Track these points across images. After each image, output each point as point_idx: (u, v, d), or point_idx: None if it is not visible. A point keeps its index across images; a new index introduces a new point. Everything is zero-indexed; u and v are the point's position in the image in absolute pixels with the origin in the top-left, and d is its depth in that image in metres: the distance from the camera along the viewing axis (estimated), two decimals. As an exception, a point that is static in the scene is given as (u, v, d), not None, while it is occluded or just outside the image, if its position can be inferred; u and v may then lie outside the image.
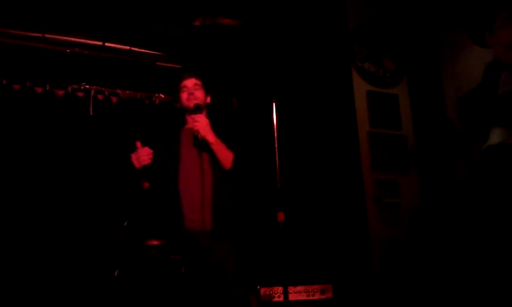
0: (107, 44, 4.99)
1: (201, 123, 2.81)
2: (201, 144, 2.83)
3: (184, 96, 2.99)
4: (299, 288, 3.57)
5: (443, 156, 4.11)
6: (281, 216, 2.82)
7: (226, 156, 2.83)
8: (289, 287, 3.35)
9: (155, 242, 2.90)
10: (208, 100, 3.07)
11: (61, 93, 4.93)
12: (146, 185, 3.31)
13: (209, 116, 3.02)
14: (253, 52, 5.01)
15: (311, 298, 3.57)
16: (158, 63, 5.22)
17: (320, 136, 4.50)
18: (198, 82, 3.01)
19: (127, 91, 5.15)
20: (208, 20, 4.90)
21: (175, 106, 5.27)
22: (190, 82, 3.00)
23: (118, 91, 5.13)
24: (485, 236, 3.31)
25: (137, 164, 2.88)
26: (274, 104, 2.98)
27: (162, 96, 5.29)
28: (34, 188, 4.41)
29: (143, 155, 2.84)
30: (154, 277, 2.78)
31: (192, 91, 2.97)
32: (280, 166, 2.92)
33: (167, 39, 5.15)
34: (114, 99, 5.12)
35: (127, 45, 5.06)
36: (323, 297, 3.59)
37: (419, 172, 4.31)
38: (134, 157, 2.84)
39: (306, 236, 4.26)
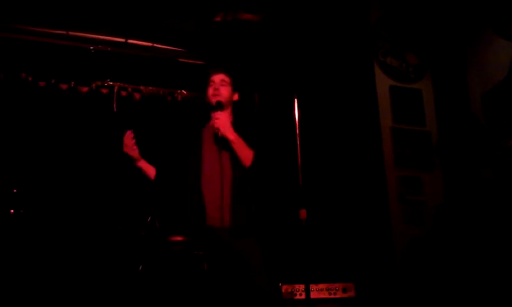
0: (130, 41, 5.05)
1: (221, 121, 2.78)
2: (221, 142, 2.81)
3: (210, 91, 2.95)
4: (321, 285, 3.56)
5: (468, 152, 4.04)
6: (303, 213, 2.81)
7: (246, 154, 2.81)
8: (311, 285, 3.35)
9: (178, 238, 2.93)
10: (236, 97, 3.02)
11: (85, 89, 5.02)
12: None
13: (233, 113, 3.01)
14: (274, 48, 5.00)
15: (333, 296, 3.56)
16: (180, 59, 5.25)
17: (343, 132, 4.47)
18: (226, 78, 2.96)
19: (150, 88, 5.21)
20: (230, 15, 4.90)
21: (197, 102, 5.32)
22: (217, 78, 2.96)
23: (141, 87, 5.19)
24: (510, 234, 3.26)
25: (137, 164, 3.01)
26: (296, 100, 2.96)
27: (185, 92, 5.33)
28: (61, 184, 4.50)
29: (125, 141, 2.89)
30: (177, 272, 2.82)
31: (218, 86, 2.93)
32: (302, 163, 2.90)
33: (189, 36, 5.17)
34: (137, 95, 5.18)
35: (150, 42, 5.11)
36: (345, 295, 3.58)
37: (443, 169, 4.25)
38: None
39: (328, 233, 4.24)
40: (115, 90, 5.09)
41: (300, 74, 4.68)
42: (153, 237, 3.69)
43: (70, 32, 4.90)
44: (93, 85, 5.04)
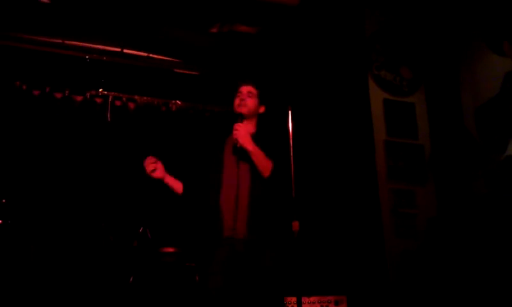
0: (125, 50, 5.06)
1: (240, 132, 2.80)
2: (240, 153, 2.83)
3: (236, 101, 2.96)
4: (312, 298, 3.55)
5: (461, 166, 4.06)
6: (296, 225, 2.80)
7: (264, 164, 2.81)
8: (303, 297, 3.34)
9: (170, 249, 2.92)
10: (262, 109, 3.03)
11: (79, 98, 5.01)
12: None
13: (259, 125, 3.01)
14: (269, 60, 5.02)
15: (325, 308, 3.55)
16: (176, 70, 5.26)
17: (336, 144, 4.48)
18: (253, 90, 2.98)
19: (145, 98, 5.21)
20: (226, 27, 4.92)
21: (191, 113, 5.32)
22: (245, 89, 2.97)
23: (136, 97, 5.19)
24: (503, 249, 3.27)
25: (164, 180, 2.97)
26: (290, 112, 2.96)
27: (179, 102, 5.33)
28: (54, 193, 4.48)
29: (147, 168, 2.86)
30: (168, 284, 2.80)
31: (245, 97, 2.94)
32: (295, 175, 2.90)
33: (184, 46, 5.18)
34: (131, 105, 5.18)
35: (145, 52, 5.12)
36: (337, 307, 3.57)
37: (436, 182, 4.26)
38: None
39: (321, 246, 4.23)
40: (109, 99, 5.09)
41: (294, 86, 4.70)
42: (145, 248, 3.67)
43: (66, 41, 4.90)
44: (88, 94, 5.03)
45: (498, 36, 4.06)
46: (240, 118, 2.87)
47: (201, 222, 2.94)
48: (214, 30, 4.96)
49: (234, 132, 2.82)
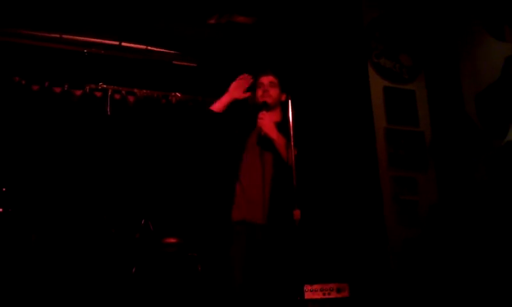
0: (123, 44, 5.04)
1: (265, 120, 2.85)
2: (264, 141, 2.86)
3: (259, 92, 3.03)
4: (315, 286, 3.56)
5: (462, 153, 4.05)
6: (297, 214, 2.80)
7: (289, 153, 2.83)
8: (305, 285, 3.34)
9: (172, 240, 2.93)
10: (283, 98, 3.06)
11: (78, 92, 5.01)
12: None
13: (283, 114, 3.03)
14: (267, 49, 5.00)
15: (327, 297, 3.56)
16: (174, 62, 5.24)
17: (337, 133, 4.47)
18: (274, 80, 3.04)
19: (144, 91, 5.20)
20: (224, 18, 4.91)
21: (191, 105, 5.31)
22: (266, 79, 3.03)
23: (135, 90, 5.19)
24: (504, 234, 3.26)
25: (228, 97, 2.96)
26: (289, 101, 2.96)
27: (179, 95, 5.32)
28: (53, 187, 4.48)
29: (244, 84, 2.89)
30: (171, 274, 2.81)
31: (267, 88, 3.00)
32: (296, 163, 2.90)
33: (183, 38, 5.17)
34: (131, 98, 5.17)
35: (144, 45, 5.11)
36: (339, 295, 3.57)
37: (437, 169, 4.25)
38: (233, 85, 2.85)
39: (322, 234, 4.23)
40: (109, 93, 5.09)
41: (294, 75, 4.68)
42: (147, 239, 3.68)
43: (64, 36, 4.88)
44: (87, 88, 5.03)
45: (499, 20, 4.03)
46: (266, 107, 2.90)
47: (216, 208, 2.95)
48: (212, 21, 4.94)
49: (259, 121, 2.86)
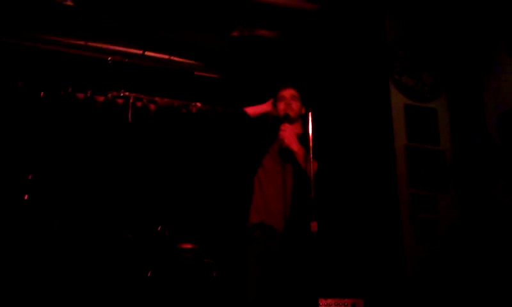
0: (147, 53, 5.12)
1: (286, 132, 2.87)
2: (286, 153, 2.88)
3: (281, 106, 3.03)
4: (329, 300, 3.51)
5: (483, 172, 4.00)
6: (314, 226, 2.79)
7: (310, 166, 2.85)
8: (320, 299, 3.30)
9: (188, 246, 2.93)
10: (303, 111, 3.08)
11: (101, 99, 5.08)
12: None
13: (303, 127, 3.05)
14: (290, 64, 5.02)
15: (342, 312, 3.51)
16: (196, 72, 5.30)
17: (356, 149, 4.45)
18: (296, 93, 3.06)
19: (165, 99, 5.25)
20: (246, 31, 4.95)
21: (210, 115, 5.35)
22: (288, 93, 3.05)
23: (156, 98, 5.24)
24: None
25: (265, 107, 3.06)
26: (310, 114, 2.97)
27: (199, 104, 5.36)
28: (74, 192, 4.53)
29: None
30: (186, 279, 2.80)
31: (290, 101, 3.02)
32: (315, 176, 2.89)
33: (205, 50, 5.23)
34: (152, 106, 5.22)
35: (167, 54, 5.17)
36: (354, 311, 3.52)
37: (457, 188, 4.20)
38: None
39: (339, 248, 4.19)
40: (130, 101, 5.15)
41: (315, 90, 4.69)
42: (163, 245, 3.68)
43: (89, 43, 4.97)
44: (109, 95, 5.10)
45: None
46: (287, 120, 2.92)
47: (232, 215, 2.96)
48: (235, 34, 4.99)
49: (280, 133, 2.87)
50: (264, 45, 5.09)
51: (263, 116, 3.12)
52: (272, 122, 3.15)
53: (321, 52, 4.89)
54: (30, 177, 4.06)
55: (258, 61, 5.21)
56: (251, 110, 3.05)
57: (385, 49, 4.43)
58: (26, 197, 3.96)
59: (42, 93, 4.84)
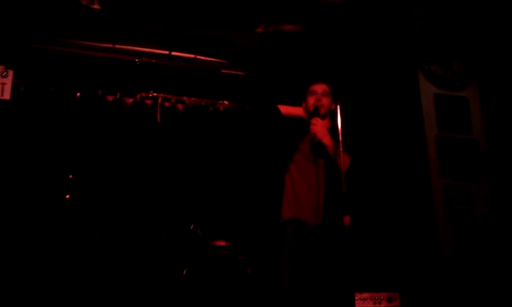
0: (173, 53, 5.16)
1: (318, 126, 2.88)
2: (317, 147, 2.87)
3: (311, 100, 3.07)
4: (365, 294, 3.50)
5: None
6: (347, 220, 2.78)
7: (343, 159, 2.84)
8: (355, 293, 3.29)
9: (221, 243, 2.95)
10: (333, 106, 3.09)
11: (130, 100, 5.15)
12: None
13: (333, 121, 3.07)
14: (317, 56, 5.00)
15: (378, 305, 3.49)
16: (223, 70, 5.32)
17: (387, 140, 4.40)
18: (327, 89, 3.08)
19: (193, 98, 5.30)
20: (271, 26, 4.95)
21: (237, 113, 5.37)
22: (319, 88, 3.07)
23: (184, 98, 5.29)
24: None
25: (298, 111, 3.08)
26: (339, 108, 2.96)
27: (226, 103, 5.39)
28: (107, 193, 4.61)
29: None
30: (220, 277, 2.83)
31: (320, 96, 3.04)
32: (347, 170, 2.88)
33: (231, 47, 5.24)
34: (180, 106, 5.27)
35: (193, 54, 5.21)
36: (390, 305, 3.50)
37: (492, 178, 4.11)
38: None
39: (372, 241, 4.17)
40: (159, 101, 5.21)
41: (344, 82, 4.66)
42: (196, 243, 3.72)
43: (117, 45, 5.05)
44: (138, 96, 5.17)
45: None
46: (317, 113, 2.94)
47: (265, 212, 2.99)
48: (260, 30, 4.99)
49: (312, 127, 2.89)
50: (289, 40, 5.07)
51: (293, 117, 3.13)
52: (301, 119, 3.15)
53: (348, 43, 4.85)
54: (71, 177, 4.19)
55: (284, 57, 5.19)
56: (285, 109, 3.05)
57: (413, 38, 4.36)
58: (68, 196, 4.08)
59: (78, 94, 4.94)
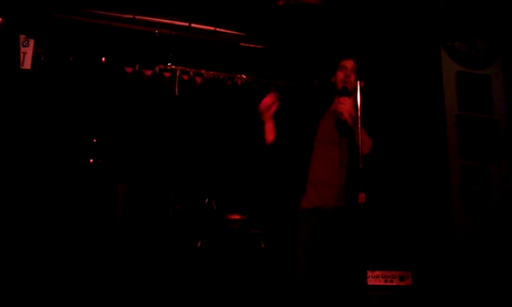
0: (193, 25, 5.13)
1: (346, 106, 2.86)
2: (343, 127, 2.85)
3: (340, 75, 3.06)
4: (377, 272, 3.51)
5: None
6: (362, 197, 2.78)
7: (365, 142, 2.85)
8: (368, 271, 3.31)
9: (236, 216, 2.99)
10: (362, 85, 3.05)
11: (149, 72, 5.16)
12: None
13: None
14: (337, 32, 4.92)
15: (389, 284, 3.50)
16: (241, 44, 5.28)
17: (407, 118, 4.35)
18: (355, 65, 3.05)
19: (211, 72, 5.28)
20: (292, -1, 4.87)
21: (256, 87, 5.35)
22: (349, 64, 3.08)
23: (202, 71, 5.28)
24: None
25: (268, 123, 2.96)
26: (359, 85, 2.92)
27: (244, 76, 5.37)
28: (128, 160, 4.69)
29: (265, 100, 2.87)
30: (234, 250, 2.87)
31: (349, 73, 3.04)
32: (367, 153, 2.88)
33: (250, 20, 5.18)
34: (198, 79, 5.27)
35: (212, 26, 5.17)
36: (402, 283, 3.51)
37: (511, 159, 4.05)
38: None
39: (387, 219, 4.16)
40: (177, 74, 5.21)
41: (364, 59, 4.59)
42: (211, 216, 3.77)
43: (137, 16, 5.04)
44: (157, 68, 5.18)
45: None
46: (346, 92, 2.90)
47: (284, 193, 3.00)
48: (280, 2, 4.92)
49: (339, 106, 2.87)
50: (310, 12, 4.99)
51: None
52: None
53: (370, 18, 4.75)
54: (95, 141, 4.28)
55: (304, 30, 5.12)
56: (268, 138, 2.99)
57: (437, 14, 4.26)
58: (92, 160, 4.18)
59: (104, 60, 4.98)
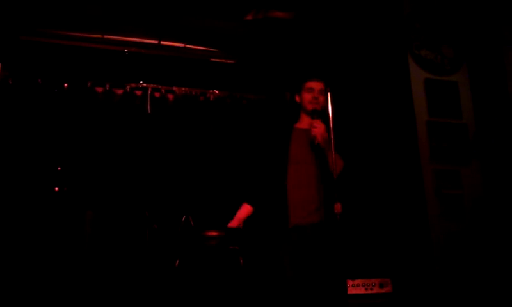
0: (162, 42, 5.12)
1: (319, 129, 2.87)
2: (317, 149, 2.88)
3: (308, 97, 3.06)
4: (357, 281, 3.52)
5: (507, 145, 3.93)
6: (338, 207, 2.79)
7: (338, 163, 2.85)
8: (347, 280, 3.32)
9: (213, 233, 2.96)
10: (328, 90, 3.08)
11: (120, 91, 5.12)
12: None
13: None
14: (306, 43, 4.98)
15: (369, 292, 3.52)
16: (212, 59, 5.29)
17: (377, 126, 4.41)
18: (323, 86, 3.07)
19: (183, 88, 5.27)
20: (261, 13, 4.91)
21: (229, 102, 5.36)
22: (317, 85, 3.07)
23: (174, 88, 5.26)
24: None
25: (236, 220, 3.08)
26: (329, 94, 2.95)
27: (217, 92, 5.37)
28: (97, 185, 4.60)
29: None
30: (212, 266, 2.85)
31: (318, 95, 3.04)
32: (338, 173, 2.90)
33: (220, 36, 5.21)
34: (170, 96, 5.25)
35: (182, 43, 5.17)
36: (382, 291, 3.53)
37: (481, 162, 4.14)
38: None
39: (363, 228, 4.19)
40: (149, 92, 5.18)
41: (333, 69, 4.64)
42: (189, 234, 3.73)
43: (105, 36, 5.00)
44: (128, 87, 5.13)
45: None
46: (316, 114, 2.93)
47: (263, 213, 2.99)
48: (249, 17, 4.95)
49: (313, 130, 2.88)
50: (279, 27, 5.04)
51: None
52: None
53: (337, 29, 4.82)
54: (59, 169, 4.18)
55: (274, 44, 5.16)
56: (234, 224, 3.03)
57: (402, 22, 4.35)
58: (57, 189, 4.08)
59: (67, 86, 4.91)
